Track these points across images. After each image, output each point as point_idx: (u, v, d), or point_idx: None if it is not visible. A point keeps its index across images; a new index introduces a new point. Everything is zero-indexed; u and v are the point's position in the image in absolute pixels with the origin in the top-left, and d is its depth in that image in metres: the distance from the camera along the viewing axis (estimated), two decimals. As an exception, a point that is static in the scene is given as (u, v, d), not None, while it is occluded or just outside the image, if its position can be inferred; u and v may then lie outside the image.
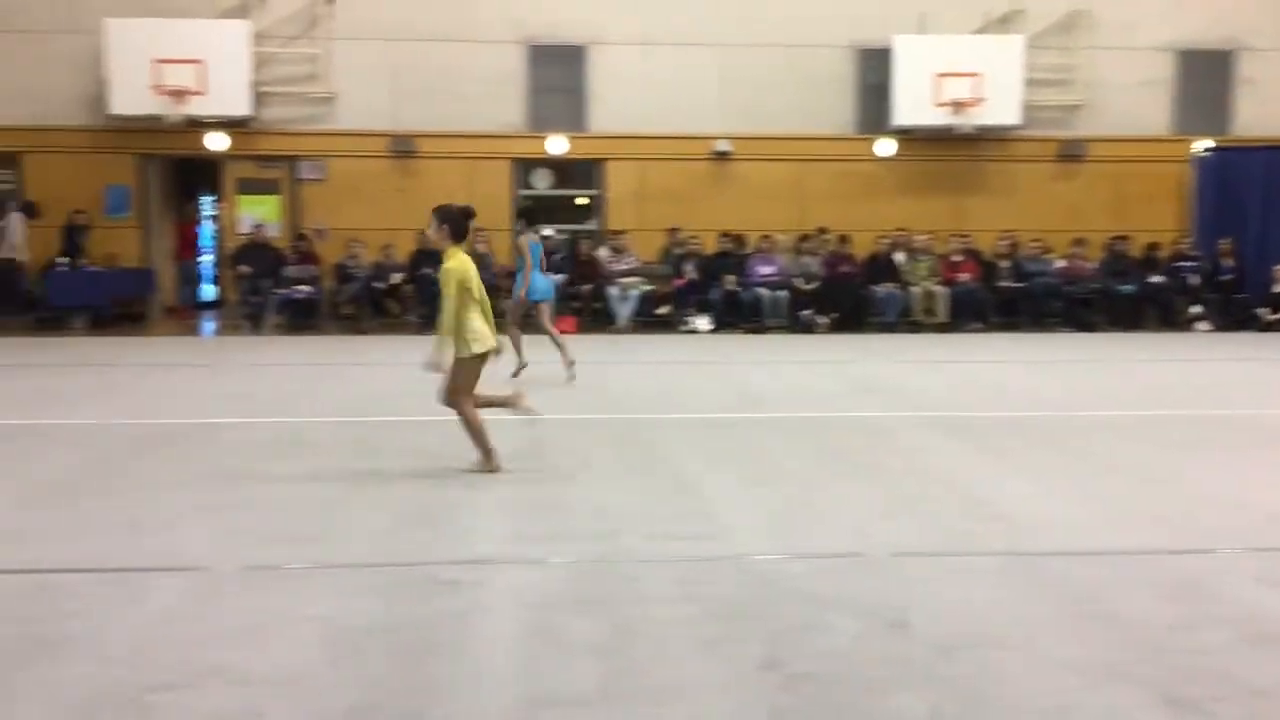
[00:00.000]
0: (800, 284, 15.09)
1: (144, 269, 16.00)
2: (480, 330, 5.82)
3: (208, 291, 19.41)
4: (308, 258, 15.22)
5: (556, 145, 16.03)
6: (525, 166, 16.37)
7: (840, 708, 3.12)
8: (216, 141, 15.63)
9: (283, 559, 4.36)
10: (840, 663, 3.40)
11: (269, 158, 16.10)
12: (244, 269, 14.91)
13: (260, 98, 15.52)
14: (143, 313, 15.77)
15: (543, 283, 9.81)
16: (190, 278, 18.52)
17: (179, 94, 14.81)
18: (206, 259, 19.41)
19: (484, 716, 3.04)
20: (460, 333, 5.77)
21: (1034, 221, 16.08)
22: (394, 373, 10.45)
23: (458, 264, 5.75)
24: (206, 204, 19.25)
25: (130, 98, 14.84)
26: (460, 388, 5.87)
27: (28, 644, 3.45)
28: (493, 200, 16.16)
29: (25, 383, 9.63)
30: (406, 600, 3.91)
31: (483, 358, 5.86)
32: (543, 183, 16.58)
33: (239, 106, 15.18)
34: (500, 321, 7.04)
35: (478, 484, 5.70)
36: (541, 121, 16.07)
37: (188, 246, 18.44)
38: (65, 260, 14.90)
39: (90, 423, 7.45)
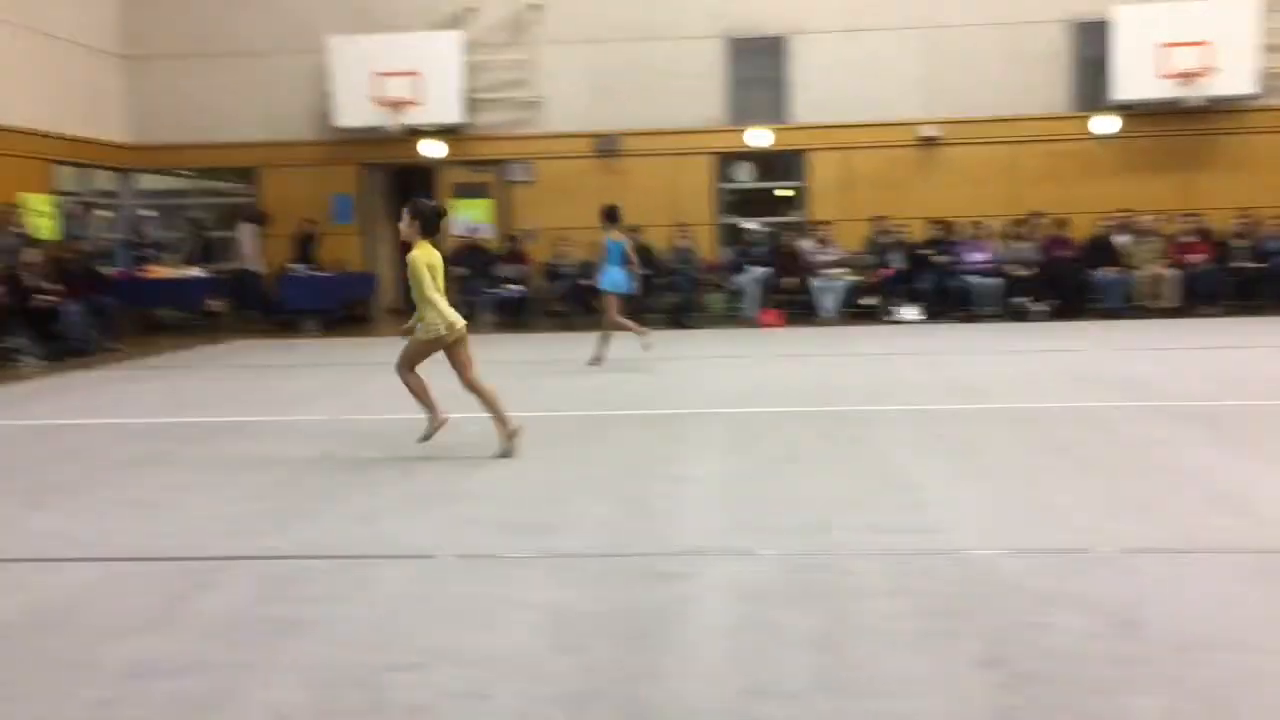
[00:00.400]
0: (1014, 270, 14.54)
1: (367, 273, 16.84)
2: (444, 315, 6.27)
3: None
4: (518, 257, 15.69)
5: (758, 138, 15.97)
6: (726, 161, 16.38)
7: (1067, 709, 2.98)
8: (432, 149, 16.29)
9: (504, 548, 4.50)
10: (1066, 662, 3.25)
11: (480, 162, 16.67)
12: (459, 270, 15.50)
13: (472, 105, 16.07)
14: (365, 314, 16.61)
15: (618, 276, 10.51)
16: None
17: (397, 105, 15.52)
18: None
19: (702, 705, 3.05)
20: (422, 315, 6.30)
21: (1274, 197, 14.97)
22: (603, 369, 10.63)
23: (423, 253, 6.27)
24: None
25: (353, 111, 15.64)
26: (409, 358, 6.45)
27: (276, 625, 3.68)
28: (695, 195, 16.26)
29: (265, 382, 10.30)
30: (624, 589, 3.97)
31: (434, 342, 6.33)
32: (744, 176, 16.55)
33: (452, 114, 15.77)
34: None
35: (690, 476, 5.74)
36: (742, 115, 16.03)
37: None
38: (298, 266, 15.86)
39: (322, 419, 7.90)
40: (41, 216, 14.36)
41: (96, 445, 7.06)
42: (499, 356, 11.76)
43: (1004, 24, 15.60)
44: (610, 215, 10.77)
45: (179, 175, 17.78)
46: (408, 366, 6.55)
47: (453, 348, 6.43)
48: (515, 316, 15.58)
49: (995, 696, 3.07)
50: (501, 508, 5.17)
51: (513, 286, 15.32)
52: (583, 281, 15.09)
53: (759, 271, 15.11)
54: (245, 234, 15.86)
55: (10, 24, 14.05)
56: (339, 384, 9.95)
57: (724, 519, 4.91)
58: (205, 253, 16.10)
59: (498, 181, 16.73)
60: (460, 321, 6.39)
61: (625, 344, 10.84)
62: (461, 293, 15.42)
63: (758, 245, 15.65)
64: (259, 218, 15.93)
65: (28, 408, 8.82)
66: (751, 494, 5.35)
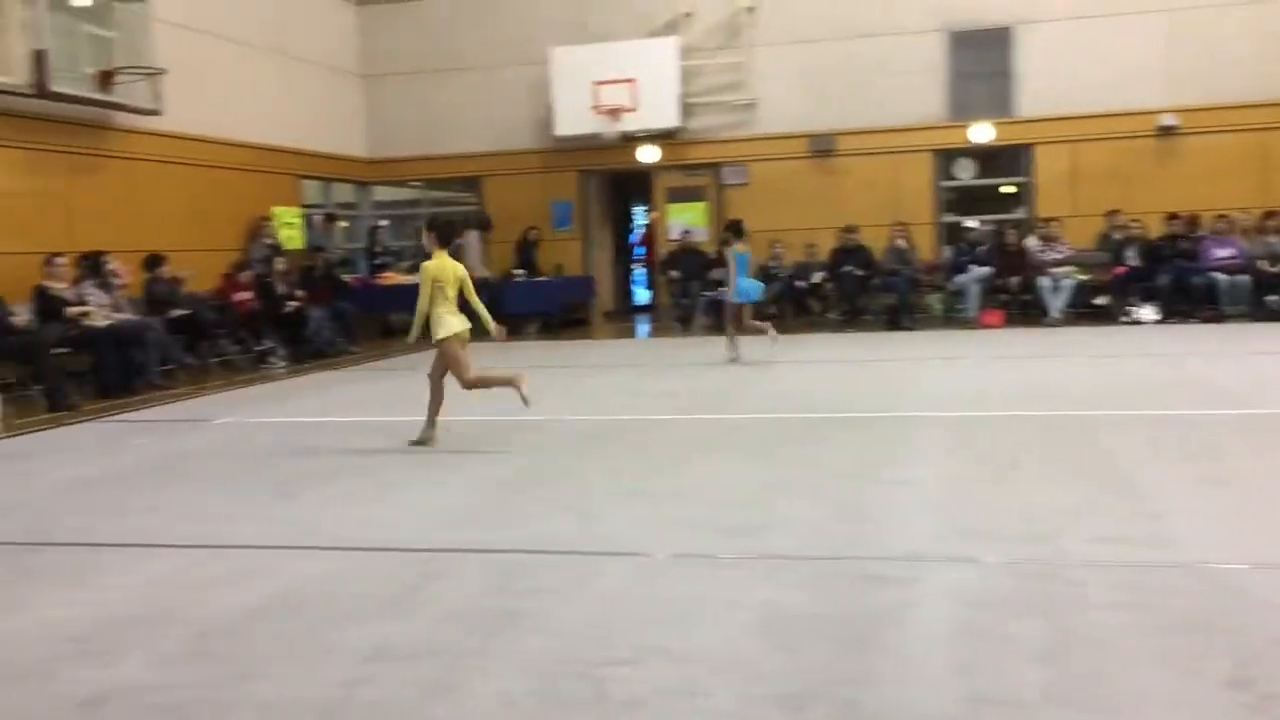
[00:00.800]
0: (1266, 266, 13.54)
1: (586, 277, 17.25)
2: (445, 320, 6.99)
3: (641, 296, 20.59)
4: (732, 260, 15.70)
5: (980, 133, 15.46)
6: (947, 157, 15.93)
7: (1329, 738, 2.75)
8: (648, 154, 16.53)
9: (718, 548, 4.52)
10: (1327, 687, 3.00)
11: (695, 166, 16.79)
12: (674, 273, 15.68)
13: (687, 109, 16.22)
14: (585, 317, 17.02)
15: (747, 286, 11.32)
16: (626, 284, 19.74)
17: (614, 112, 15.83)
18: (639, 265, 20.58)
19: (923, 712, 2.97)
20: (432, 322, 7.01)
21: None
22: (814, 371, 10.53)
23: (435, 265, 7.01)
24: (639, 213, 20.42)
25: (572, 119, 16.06)
26: (455, 369, 7.09)
27: (502, 615, 3.81)
28: (914, 193, 15.89)
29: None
30: (839, 593, 3.91)
31: (458, 339, 7.03)
32: (965, 173, 16.05)
33: (668, 119, 15.96)
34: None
35: (905, 480, 5.61)
36: (963, 110, 15.56)
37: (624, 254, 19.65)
38: (521, 271, 16.39)
39: (540, 418, 8.13)
40: (289, 228, 15.38)
41: (335, 441, 7.50)
42: (710, 358, 11.82)
43: (1252, 1, 14.56)
44: (735, 229, 11.47)
45: (410, 186, 18.71)
46: (465, 379, 7.12)
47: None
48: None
49: (1243, 719, 2.86)
50: (713, 509, 5.19)
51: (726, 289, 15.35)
52: (799, 283, 14.99)
53: (981, 271, 14.64)
54: (472, 241, 16.50)
55: (263, 49, 15.12)
56: (557, 384, 10.21)
57: (942, 524, 4.77)
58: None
59: (712, 184, 16.81)
60: (464, 327, 7.07)
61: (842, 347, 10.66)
62: (675, 295, 15.61)
63: (979, 244, 15.15)
64: (485, 224, 16.55)
65: (277, 405, 9.46)
66: (971, 499, 5.18)
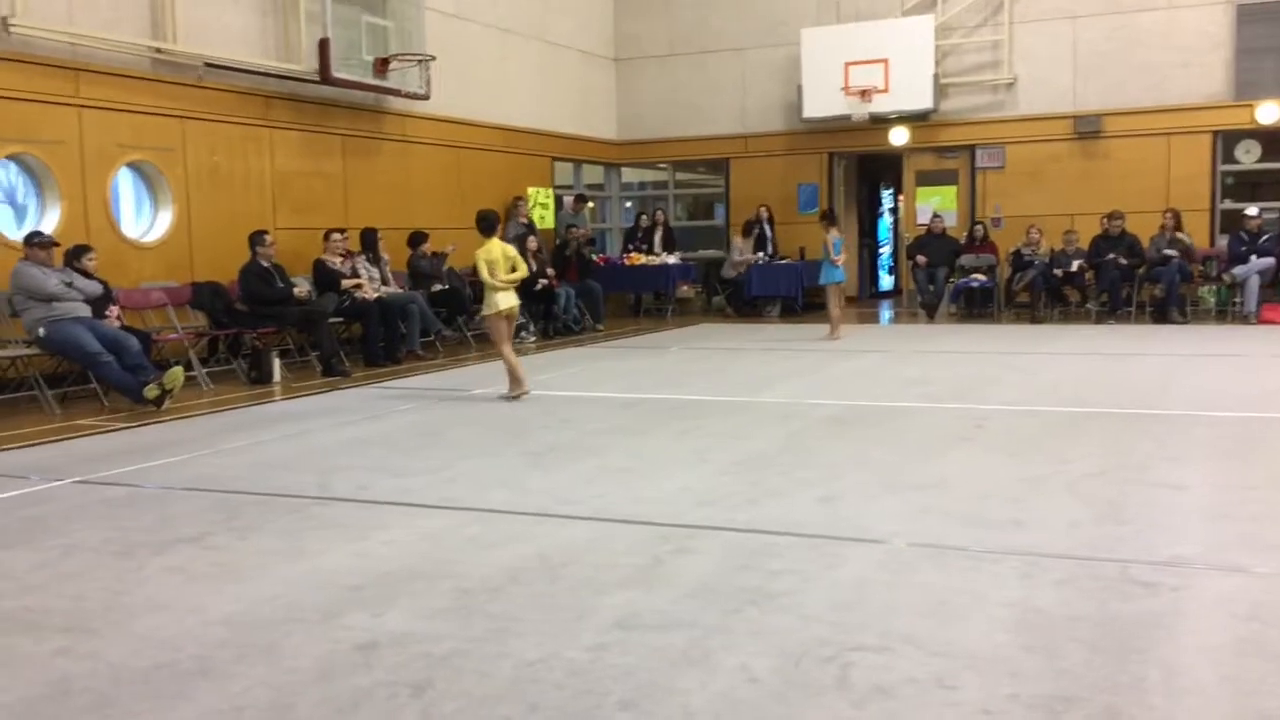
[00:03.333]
0: None
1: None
2: (491, 298, 8.24)
3: (885, 281, 20.22)
4: (984, 246, 15.20)
5: (1268, 113, 14.31)
6: (1228, 139, 14.83)
7: None
8: (899, 136, 16.17)
9: (970, 541, 4.41)
10: None
11: (948, 149, 16.31)
12: (920, 259, 15.30)
13: (941, 90, 15.76)
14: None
15: (832, 270, 12.44)
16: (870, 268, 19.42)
17: (865, 93, 15.56)
18: (885, 250, 20.21)
19: (1189, 728, 2.82)
20: (485, 298, 8.27)
21: None
22: (1072, 363, 10.10)
23: (483, 250, 8.24)
24: (886, 197, 20.04)
25: (821, 101, 15.88)
26: (495, 339, 8.42)
27: (747, 593, 3.85)
28: (1188, 178, 14.91)
29: (730, 362, 10.78)
30: (1099, 596, 3.75)
31: (500, 315, 8.25)
32: (1248, 156, 14.90)
33: (921, 100, 15.55)
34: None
35: (1172, 482, 5.30)
36: (1249, 88, 14.43)
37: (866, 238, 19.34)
38: (758, 255, 16.37)
39: (786, 401, 8.14)
40: (542, 207, 15.94)
41: (585, 415, 7.76)
42: (955, 346, 11.49)
43: None
44: (829, 217, 12.70)
45: (657, 168, 19.01)
46: (500, 344, 8.36)
47: (507, 322, 8.37)
48: (980, 307, 15.13)
49: None
50: (965, 500, 5.07)
51: (978, 276, 14.87)
52: (1055, 271, 14.34)
53: (1262, 262, 13.56)
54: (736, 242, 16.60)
55: (522, 35, 15.69)
56: (800, 368, 10.19)
57: (1214, 530, 4.49)
58: (670, 240, 17.05)
59: (965, 168, 16.29)
60: (506, 304, 8.25)
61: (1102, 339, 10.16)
62: (920, 281, 15.23)
63: (1263, 233, 14.03)
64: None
65: (530, 379, 9.86)
66: (1247, 506, 4.84)
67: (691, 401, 8.29)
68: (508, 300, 8.34)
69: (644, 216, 17.39)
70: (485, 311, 8.37)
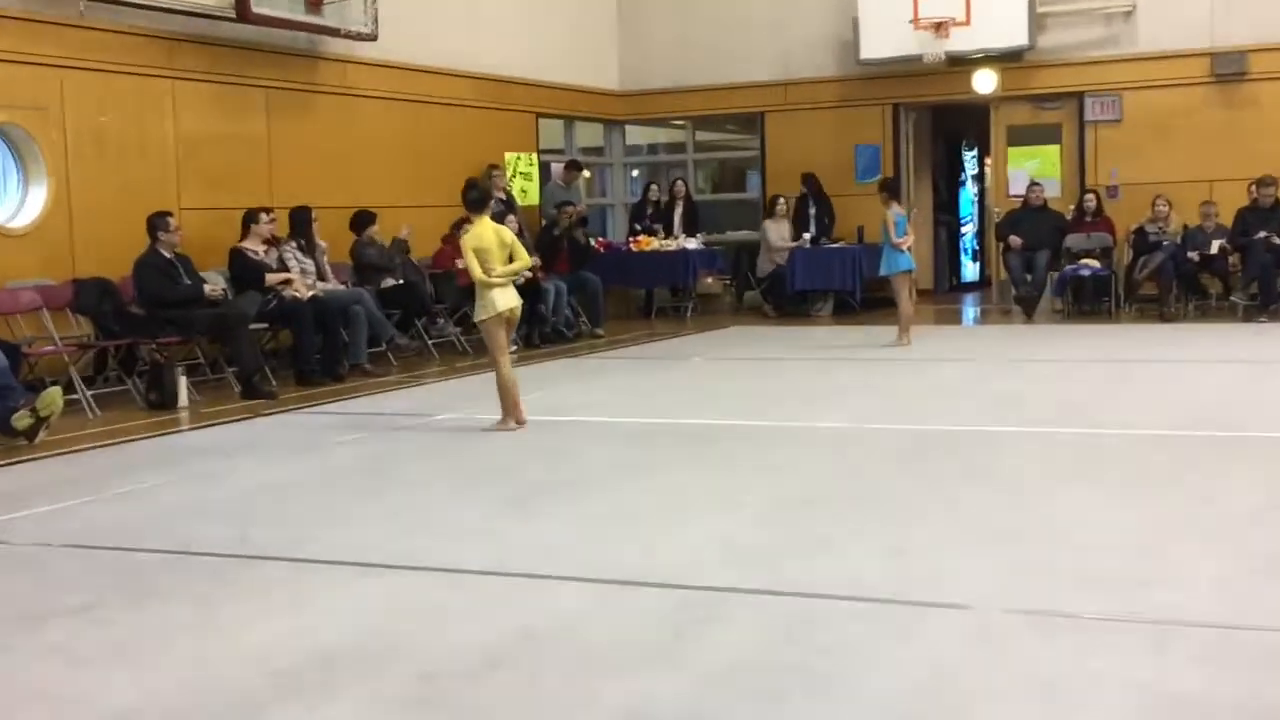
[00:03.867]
0: None
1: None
2: (486, 297, 8.07)
3: (968, 270, 20.23)
4: (1097, 223, 15.19)
5: None
6: None
7: None
8: (984, 81, 16.18)
9: (1081, 605, 4.39)
10: None
11: (1047, 97, 16.32)
12: (1014, 240, 15.30)
13: (1039, 22, 15.77)
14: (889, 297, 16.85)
15: (896, 256, 12.32)
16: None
17: (941, 27, 15.57)
18: (968, 229, 20.23)
19: None
20: (477, 297, 8.16)
21: None
22: (1210, 373, 10.08)
23: (472, 234, 8.17)
24: (969, 161, 20.07)
25: (884, 38, 15.90)
26: (492, 349, 8.22)
27: (790, 675, 3.83)
28: (1358, 133, 14.88)
29: (769, 378, 10.78)
30: (1255, 677, 3.72)
31: (499, 319, 8.11)
32: None
33: (1013, 36, 15.56)
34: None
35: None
36: None
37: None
38: (806, 236, 16.38)
39: (841, 427, 8.13)
40: (524, 178, 15.97)
41: (582, 446, 7.75)
42: (1060, 352, 11.47)
43: None
44: (890, 188, 12.64)
45: (673, 125, 19.05)
46: (497, 356, 8.20)
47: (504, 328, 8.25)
48: (1093, 301, 15.12)
49: None
50: (1075, 553, 5.05)
51: (1089, 262, 14.85)
52: (1190, 255, 14.31)
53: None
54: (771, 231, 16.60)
55: (495, -43, 15.76)
56: (858, 382, 10.18)
57: (1405, 590, 4.46)
58: (694, 219, 17.07)
59: (1070, 121, 16.29)
60: (506, 304, 8.09)
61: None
62: (1014, 269, 15.22)
63: None
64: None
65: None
66: None
67: (719, 428, 8.29)
68: (507, 299, 8.17)
69: (654, 187, 17.44)
70: (480, 315, 8.19)
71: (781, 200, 16.50)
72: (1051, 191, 15.98)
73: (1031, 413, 8.47)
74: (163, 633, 4.46)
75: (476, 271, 8.06)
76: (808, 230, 16.47)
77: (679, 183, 17.31)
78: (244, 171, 12.36)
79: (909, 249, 12.50)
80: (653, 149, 19.99)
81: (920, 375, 10.59)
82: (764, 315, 16.41)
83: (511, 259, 8.20)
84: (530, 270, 13.56)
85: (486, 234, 8.17)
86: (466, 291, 13.18)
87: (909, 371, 10.81)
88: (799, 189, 16.70)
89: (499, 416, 8.29)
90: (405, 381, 11.13)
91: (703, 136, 19.02)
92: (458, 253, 13.51)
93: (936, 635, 4.16)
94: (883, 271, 12.69)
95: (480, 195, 8.44)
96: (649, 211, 17.10)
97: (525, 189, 15.94)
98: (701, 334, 14.63)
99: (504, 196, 14.76)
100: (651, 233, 16.75)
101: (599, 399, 9.80)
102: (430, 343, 12.83)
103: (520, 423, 8.25)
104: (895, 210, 12.43)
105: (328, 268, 12.09)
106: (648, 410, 9.14)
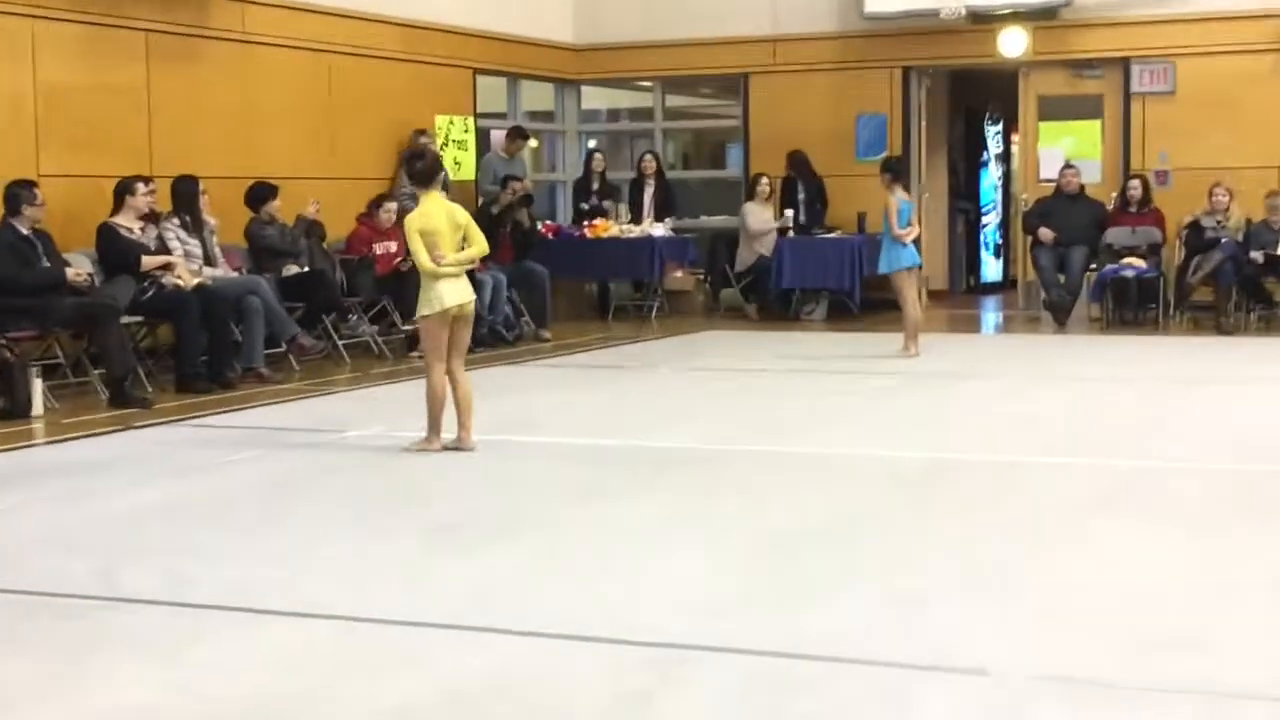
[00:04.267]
0: None
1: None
2: (432, 290, 7.99)
3: (990, 268, 20.31)
4: (1143, 215, 15.28)
5: None
6: None
7: None
8: (1012, 43, 16.24)
9: (1118, 672, 4.42)
10: None
11: (1087, 63, 16.39)
12: (1044, 233, 15.36)
13: (1078, -29, 15.86)
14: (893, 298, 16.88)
15: (899, 250, 12.37)
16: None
17: (960, -24, 15.65)
18: (990, 220, 20.32)
19: None
20: (420, 290, 8.06)
21: None
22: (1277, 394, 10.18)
23: (417, 213, 8.18)
24: (992, 137, 20.16)
25: (894, -12, 15.99)
26: (428, 355, 8.21)
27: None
28: None
29: (747, 393, 10.81)
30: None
31: (443, 317, 8.02)
32: None
33: (1044, -13, 15.65)
34: None
35: None
36: None
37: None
38: (788, 215, 16.33)
39: (834, 452, 8.15)
40: (458, 148, 15.93)
41: (522, 470, 7.74)
42: (1097, 369, 11.52)
43: None
44: (893, 168, 12.69)
45: (638, 87, 19.05)
46: (432, 364, 8.15)
47: (454, 328, 8.14)
48: (1137, 308, 15.19)
49: None
50: (1111, 606, 5.08)
51: (1133, 261, 14.93)
52: (1254, 254, 14.37)
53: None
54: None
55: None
56: (856, 400, 10.22)
57: None
58: (667, 201, 17.06)
59: (1114, 92, 16.39)
60: (457, 300, 8.03)
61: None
62: (1045, 268, 15.28)
63: None
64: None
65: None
66: None
67: (687, 452, 8.31)
68: (458, 293, 8.10)
69: (598, 158, 17.37)
70: (422, 310, 8.13)
71: (765, 179, 16.50)
72: (1090, 176, 16.05)
73: (1061, 440, 8.49)
74: (12, 690, 4.42)
75: (423, 259, 8.00)
76: (804, 218, 16.48)
77: (648, 157, 17.27)
78: (117, 132, 12.27)
79: (913, 241, 12.55)
80: (613, 115, 20.00)
81: (929, 392, 10.62)
82: (744, 317, 16.43)
83: (465, 242, 8.20)
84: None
85: (436, 213, 8.13)
86: (386, 283, 13.19)
87: (915, 388, 10.84)
88: (785, 170, 16.73)
89: (423, 434, 8.27)
90: (309, 390, 11.09)
91: (674, 102, 19.02)
92: (376, 235, 13.58)
93: (946, 707, 4.17)
94: (882, 268, 12.74)
95: (428, 166, 8.30)
96: (594, 187, 17.11)
97: (459, 160, 15.89)
98: (669, 338, 14.65)
99: (431, 169, 14.72)
100: (600, 213, 16.77)
101: (543, 415, 9.78)
102: (340, 344, 12.77)
103: (465, 447, 8.18)
104: (899, 195, 12.48)
105: (217, 250, 12.03)
106: (602, 429, 9.13)
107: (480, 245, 8.31)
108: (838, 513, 6.69)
